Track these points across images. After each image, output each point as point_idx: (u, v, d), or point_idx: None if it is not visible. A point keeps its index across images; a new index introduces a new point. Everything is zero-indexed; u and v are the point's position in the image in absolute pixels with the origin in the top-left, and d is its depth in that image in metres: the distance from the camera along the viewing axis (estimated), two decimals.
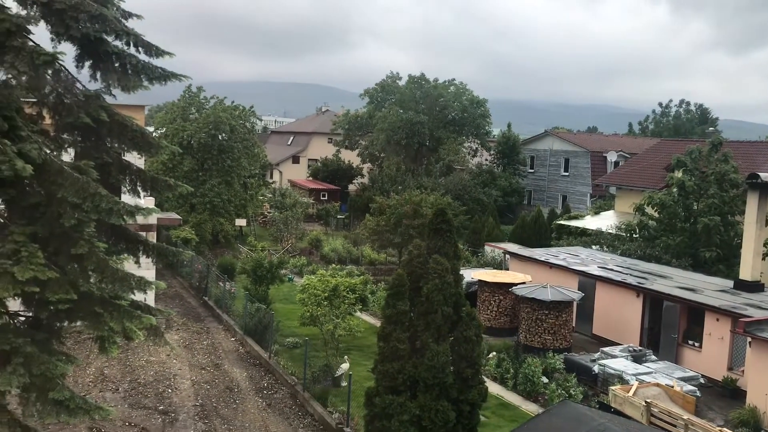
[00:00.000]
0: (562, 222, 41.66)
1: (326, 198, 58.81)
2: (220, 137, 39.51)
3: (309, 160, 70.65)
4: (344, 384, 18.38)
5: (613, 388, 17.52)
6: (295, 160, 71.51)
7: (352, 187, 62.57)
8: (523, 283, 25.18)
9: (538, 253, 30.67)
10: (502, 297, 25.14)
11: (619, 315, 24.48)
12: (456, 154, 58.27)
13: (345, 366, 19.13)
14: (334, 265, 33.91)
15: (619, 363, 19.87)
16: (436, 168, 56.90)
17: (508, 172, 59.09)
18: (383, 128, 57.18)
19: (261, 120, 65.22)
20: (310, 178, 65.91)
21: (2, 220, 10.78)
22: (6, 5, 10.39)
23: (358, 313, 23.06)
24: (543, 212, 44.92)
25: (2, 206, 10.89)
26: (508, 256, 33.15)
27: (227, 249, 38.84)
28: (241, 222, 41.92)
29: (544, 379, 19.53)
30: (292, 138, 77.21)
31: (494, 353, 21.72)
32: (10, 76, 10.15)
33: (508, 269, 30.96)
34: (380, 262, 38.53)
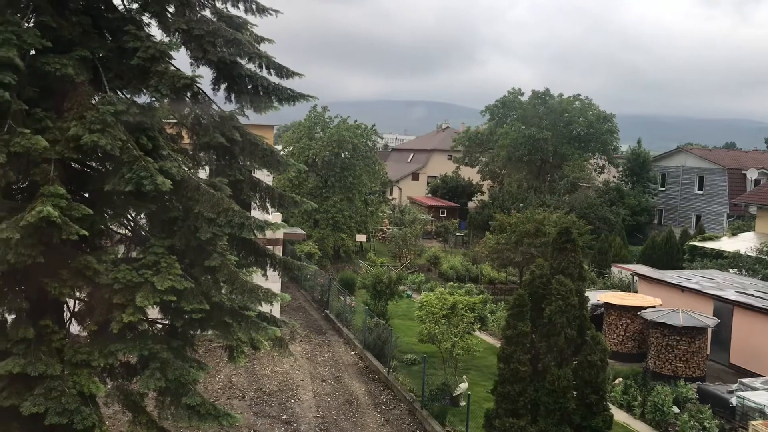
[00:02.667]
0: (696, 243, 39.27)
1: (445, 215, 58.74)
2: (342, 155, 40.61)
3: (428, 177, 70.98)
4: (463, 404, 18.17)
5: (754, 423, 16.20)
6: (415, 177, 72.05)
7: (471, 204, 62.17)
8: (653, 306, 23.92)
9: (670, 275, 29.06)
10: (629, 321, 24.00)
11: (760, 344, 22.68)
12: (581, 170, 56.52)
13: (464, 385, 18.91)
14: (452, 282, 33.74)
15: (761, 396, 18.36)
16: (560, 185, 55.41)
17: (637, 190, 56.57)
18: (504, 145, 56.49)
19: (382, 138, 66.32)
20: (430, 195, 66.14)
21: (144, 233, 11.57)
22: (151, 33, 11.23)
23: (477, 333, 22.76)
24: (675, 232, 42.59)
25: (144, 220, 11.69)
26: (636, 278, 31.67)
27: (348, 264, 39.64)
28: (361, 238, 42.68)
29: (675, 409, 18.41)
30: (412, 155, 77.95)
31: (620, 379, 20.74)
32: (154, 98, 10.91)
33: (636, 292, 29.58)
34: (500, 281, 37.91)
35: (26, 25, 10.12)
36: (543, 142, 56.18)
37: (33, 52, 10.08)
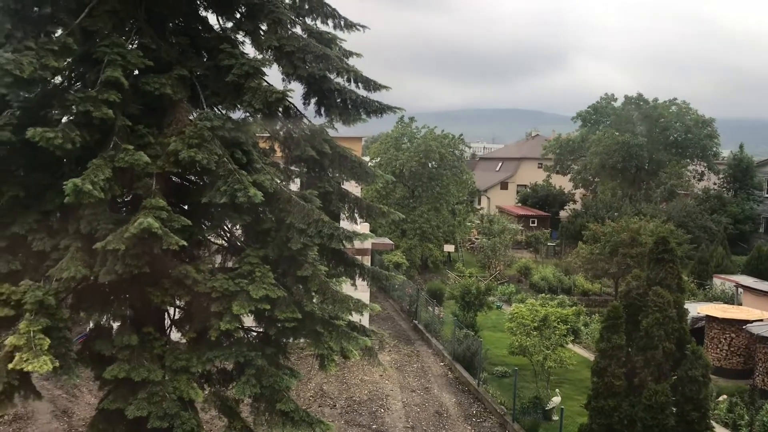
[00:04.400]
0: None
1: (536, 224, 57.70)
2: (430, 165, 40.64)
3: (518, 185, 69.95)
4: (555, 418, 17.74)
5: None
6: (504, 186, 71.16)
7: (563, 214, 60.80)
8: (760, 320, 22.61)
9: None
10: (734, 335, 22.77)
11: None
12: (679, 178, 54.32)
13: (556, 399, 18.47)
14: (543, 294, 33.04)
15: None
16: (657, 193, 53.42)
17: (740, 197, 53.72)
18: (597, 152, 54.98)
19: (469, 147, 65.95)
20: (519, 204, 65.14)
21: (239, 244, 11.97)
22: (245, 51, 11.66)
23: (570, 345, 22.18)
24: None
25: (240, 231, 12.10)
26: (741, 289, 30.04)
27: (436, 274, 39.55)
28: (449, 248, 42.49)
29: None
30: (500, 164, 77.08)
31: (725, 396, 19.69)
32: (248, 113, 11.30)
33: (740, 304, 28.04)
34: (594, 292, 36.85)
35: (130, 46, 10.72)
36: (638, 149, 54.29)
37: (136, 72, 10.66)
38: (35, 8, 10.29)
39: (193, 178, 11.72)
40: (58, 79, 10.95)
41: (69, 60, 10.52)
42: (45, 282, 9.64)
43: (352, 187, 15.18)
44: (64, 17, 10.31)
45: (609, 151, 54.23)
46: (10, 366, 8.74)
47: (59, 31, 10.26)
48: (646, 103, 58.07)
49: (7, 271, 9.86)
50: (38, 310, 9.23)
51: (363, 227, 21.57)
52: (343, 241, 11.07)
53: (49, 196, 10.11)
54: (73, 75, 11.33)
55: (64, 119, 10.26)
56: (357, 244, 11.71)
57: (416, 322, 28.88)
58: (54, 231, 10.17)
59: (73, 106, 9.85)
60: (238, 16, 12.01)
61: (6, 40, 9.43)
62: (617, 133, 55.24)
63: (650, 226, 34.76)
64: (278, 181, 11.13)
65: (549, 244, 51.15)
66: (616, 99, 60.16)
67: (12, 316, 9.50)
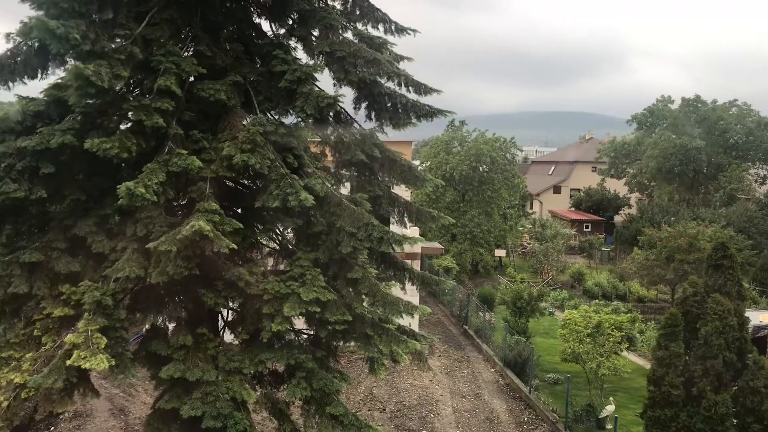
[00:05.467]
0: None
1: (589, 229, 56.70)
2: (480, 169, 40.33)
3: (571, 189, 68.84)
4: (609, 427, 17.38)
5: None
6: (557, 190, 70.14)
7: (617, 218, 59.59)
8: None
9: None
10: None
11: None
12: (739, 182, 52.60)
13: (610, 408, 18.08)
14: (597, 300, 32.42)
15: None
16: (716, 197, 51.86)
17: None
18: (653, 155, 53.70)
19: (521, 150, 65.17)
20: (572, 209, 64.11)
21: (291, 247, 12.10)
22: (297, 57, 11.79)
23: (625, 353, 21.69)
24: None
25: (291, 234, 12.24)
26: None
27: (486, 279, 39.21)
28: (500, 252, 42.09)
29: None
30: (553, 167, 75.99)
31: None
32: (299, 119, 11.43)
33: None
34: (650, 299, 35.99)
35: (186, 54, 10.97)
36: (696, 152, 52.83)
37: (192, 78, 10.90)
38: (97, 13, 10.58)
39: (246, 182, 11.90)
40: (118, 86, 11.26)
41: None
42: (103, 283, 9.91)
43: (402, 191, 15.17)
44: (127, 22, 10.61)
45: (666, 154, 52.94)
46: (68, 362, 9.02)
47: (123, 36, 10.56)
48: (704, 104, 56.53)
49: (67, 272, 10.19)
50: (96, 310, 9.51)
51: (413, 231, 21.53)
52: (393, 245, 11.06)
53: (108, 200, 10.40)
54: (132, 82, 11.65)
55: (122, 126, 10.56)
56: (407, 248, 11.69)
57: (466, 327, 28.67)
58: (112, 233, 10.47)
59: (130, 113, 10.13)
60: (290, 22, 12.16)
61: (82, 40, 9.71)
62: (674, 136, 53.89)
63: (708, 231, 33.80)
64: (329, 185, 11.21)
65: (603, 249, 50.21)
66: (673, 101, 58.77)
67: (72, 315, 9.82)
